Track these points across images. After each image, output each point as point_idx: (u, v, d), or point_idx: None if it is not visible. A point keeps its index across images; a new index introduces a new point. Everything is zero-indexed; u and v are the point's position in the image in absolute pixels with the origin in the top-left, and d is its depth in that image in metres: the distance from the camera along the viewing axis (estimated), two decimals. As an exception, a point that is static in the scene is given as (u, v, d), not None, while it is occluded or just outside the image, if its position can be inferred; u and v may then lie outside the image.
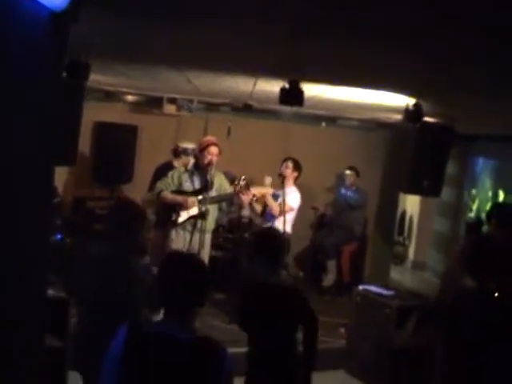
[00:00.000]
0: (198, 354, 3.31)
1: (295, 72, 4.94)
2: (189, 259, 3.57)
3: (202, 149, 7.88)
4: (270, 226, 8.02)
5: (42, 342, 3.62)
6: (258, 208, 8.93)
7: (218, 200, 7.95)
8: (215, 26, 3.62)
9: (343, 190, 10.84)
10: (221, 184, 8.04)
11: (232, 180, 8.40)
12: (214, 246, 10.07)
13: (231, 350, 7.81)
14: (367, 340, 7.96)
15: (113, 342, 3.28)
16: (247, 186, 7.94)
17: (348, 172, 10.75)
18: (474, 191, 11.43)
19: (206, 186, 7.78)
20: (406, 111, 5.90)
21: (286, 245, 5.30)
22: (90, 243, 8.52)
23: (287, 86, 5.12)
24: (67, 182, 10.63)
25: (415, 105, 5.80)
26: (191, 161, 8.15)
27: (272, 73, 5.15)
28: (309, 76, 5.04)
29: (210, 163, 7.78)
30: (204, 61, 5.15)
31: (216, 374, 3.29)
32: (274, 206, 8.52)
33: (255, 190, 8.28)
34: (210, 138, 8.09)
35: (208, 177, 7.78)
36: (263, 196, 8.71)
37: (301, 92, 5.15)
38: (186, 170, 8.02)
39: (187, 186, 7.91)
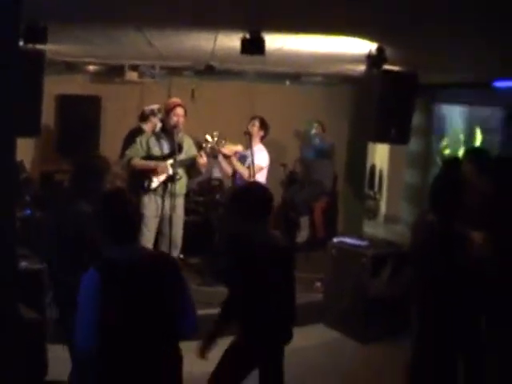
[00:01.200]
0: (158, 265, 3.93)
1: (256, 21, 4.90)
2: (123, 195, 4.03)
3: (168, 111, 7.86)
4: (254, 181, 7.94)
5: (16, 313, 3.61)
6: (228, 170, 8.89)
7: (188, 163, 7.93)
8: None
9: (310, 143, 10.87)
10: (189, 147, 8.02)
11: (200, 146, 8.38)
12: (185, 210, 10.08)
13: (207, 311, 7.93)
14: (344, 291, 8.04)
15: (86, 279, 3.69)
16: (219, 142, 8.01)
17: (315, 124, 10.78)
18: (445, 140, 11.49)
19: (174, 150, 7.76)
20: (369, 56, 5.89)
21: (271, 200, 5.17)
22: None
23: (248, 35, 5.09)
24: (33, 157, 10.51)
25: (378, 49, 5.80)
26: (158, 124, 8.07)
27: (232, 23, 5.10)
28: (269, 25, 5.00)
29: (176, 125, 7.76)
30: (164, 18, 5.10)
31: (178, 278, 3.95)
32: (242, 170, 8.46)
33: (225, 149, 8.25)
34: (174, 100, 8.06)
35: (176, 139, 7.77)
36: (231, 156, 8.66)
37: (262, 40, 5.13)
38: (154, 134, 7.97)
39: (156, 150, 7.87)
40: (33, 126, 6.30)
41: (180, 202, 8.03)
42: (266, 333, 4.93)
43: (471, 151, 7.35)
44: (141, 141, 7.90)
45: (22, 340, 3.60)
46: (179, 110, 7.82)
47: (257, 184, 6.42)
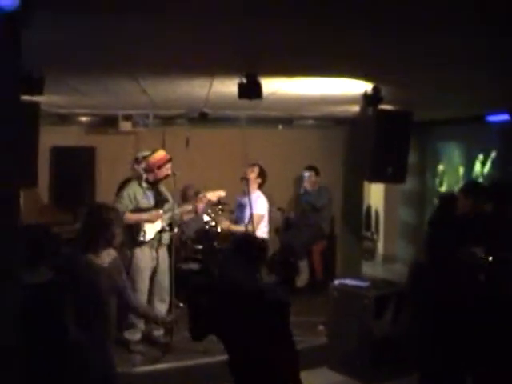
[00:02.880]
0: None
1: (251, 65, 4.92)
2: None
3: (162, 164, 7.83)
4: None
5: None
6: (226, 224, 8.96)
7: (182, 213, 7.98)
8: (165, 23, 3.61)
9: (304, 192, 10.81)
10: (169, 197, 8.05)
11: (196, 193, 8.41)
12: (185, 259, 10.03)
13: (205, 360, 7.75)
14: (347, 333, 7.95)
15: None
16: (198, 193, 8.09)
17: (307, 173, 10.69)
18: (440, 167, 11.49)
19: (161, 200, 7.85)
20: (365, 96, 5.92)
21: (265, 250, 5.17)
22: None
23: (244, 80, 5.10)
24: (29, 209, 10.46)
25: (374, 88, 5.83)
26: (144, 175, 8.01)
27: (228, 68, 5.13)
28: (265, 69, 5.03)
29: (167, 177, 7.87)
30: (158, 65, 5.12)
31: None
32: (240, 229, 8.49)
33: (209, 195, 8.19)
34: (164, 154, 8.00)
35: (161, 190, 7.92)
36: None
37: (258, 84, 5.14)
38: (140, 186, 7.91)
39: (144, 202, 7.83)
40: (30, 177, 6.30)
41: (165, 251, 8.03)
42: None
43: (467, 185, 7.41)
44: (128, 194, 7.80)
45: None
46: (170, 164, 7.87)
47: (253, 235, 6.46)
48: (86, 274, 5.07)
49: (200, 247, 10.20)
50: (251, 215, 8.25)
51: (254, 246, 5.09)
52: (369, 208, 14.63)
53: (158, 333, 8.02)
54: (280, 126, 11.45)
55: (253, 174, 8.76)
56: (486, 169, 9.74)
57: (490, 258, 5.56)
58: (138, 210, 7.77)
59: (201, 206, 8.02)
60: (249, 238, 5.58)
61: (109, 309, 5.25)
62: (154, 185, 7.88)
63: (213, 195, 8.19)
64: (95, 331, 4.91)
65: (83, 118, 10.80)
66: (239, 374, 4.88)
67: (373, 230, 14.69)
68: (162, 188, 8.02)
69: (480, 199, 6.68)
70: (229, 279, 4.97)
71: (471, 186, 7.32)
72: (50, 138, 9.02)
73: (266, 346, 4.75)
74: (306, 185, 10.63)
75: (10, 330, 3.14)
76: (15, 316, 3.19)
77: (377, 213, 14.65)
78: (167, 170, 7.83)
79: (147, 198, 7.85)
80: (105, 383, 5.29)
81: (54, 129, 9.97)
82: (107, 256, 5.25)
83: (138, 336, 7.83)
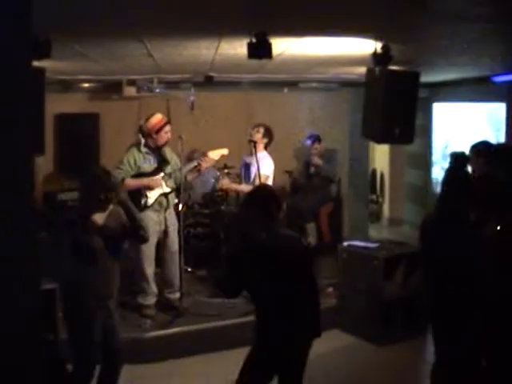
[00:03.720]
0: None
1: (260, 25, 4.86)
2: None
3: (159, 129, 7.82)
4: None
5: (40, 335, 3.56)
6: (225, 182, 9.01)
7: (186, 173, 7.96)
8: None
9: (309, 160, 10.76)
10: (175, 160, 8.02)
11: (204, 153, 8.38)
12: (192, 224, 10.04)
13: (216, 323, 7.86)
14: (357, 295, 7.98)
15: None
16: (204, 154, 8.11)
17: (309, 142, 10.57)
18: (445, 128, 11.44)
19: (162, 162, 7.88)
20: (375, 54, 5.85)
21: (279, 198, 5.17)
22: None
23: (254, 40, 5.04)
24: (35, 177, 10.45)
25: (383, 47, 5.76)
26: (142, 140, 7.98)
27: (237, 28, 5.07)
28: (274, 28, 4.97)
29: (167, 141, 7.89)
30: (165, 25, 5.06)
31: None
32: (245, 189, 8.41)
33: (212, 154, 8.17)
34: (161, 117, 7.99)
35: (164, 154, 7.94)
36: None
37: (268, 43, 5.08)
38: (140, 151, 7.87)
39: (145, 167, 7.83)
40: (37, 145, 6.26)
41: (173, 213, 8.06)
42: (280, 334, 4.86)
43: (477, 145, 7.37)
44: (128, 160, 7.79)
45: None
46: (168, 127, 7.86)
47: (266, 185, 6.78)
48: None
49: (207, 211, 10.20)
50: (257, 174, 8.22)
51: (268, 195, 5.08)
52: (374, 171, 14.62)
53: (174, 296, 8.05)
54: (285, 90, 11.38)
55: (258, 135, 8.72)
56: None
57: (499, 227, 5.55)
58: (139, 175, 7.77)
59: (204, 164, 7.99)
60: (262, 188, 5.56)
61: (106, 268, 5.52)
62: (156, 149, 7.86)
63: (215, 154, 8.18)
64: None
65: (86, 85, 10.73)
66: (265, 323, 4.93)
67: (378, 192, 14.69)
68: (168, 152, 8.00)
69: (492, 158, 6.66)
70: (248, 234, 4.98)
71: (482, 145, 7.29)
72: (53, 105, 8.93)
73: (292, 293, 4.82)
74: (314, 157, 10.46)
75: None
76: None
77: (382, 176, 14.65)
78: (166, 133, 7.81)
79: (149, 162, 7.83)
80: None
81: (57, 96, 9.88)
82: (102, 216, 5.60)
83: (150, 300, 7.86)
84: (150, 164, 7.85)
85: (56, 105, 9.56)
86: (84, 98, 10.83)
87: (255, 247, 4.86)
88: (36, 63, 5.71)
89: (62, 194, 10.19)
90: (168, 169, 7.87)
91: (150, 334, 7.46)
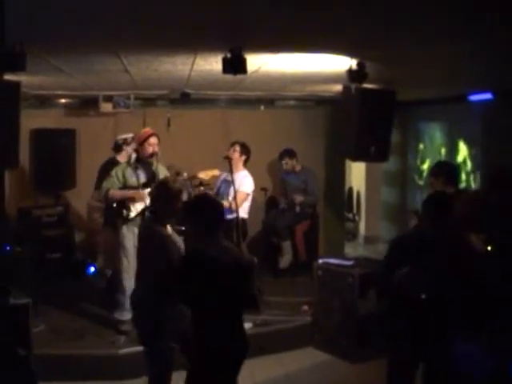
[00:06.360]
0: None
1: (235, 40, 4.88)
2: None
3: (143, 141, 7.85)
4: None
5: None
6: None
7: None
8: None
9: (286, 175, 10.80)
10: (164, 175, 7.99)
11: (177, 173, 8.40)
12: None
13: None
14: (332, 312, 7.97)
15: None
16: (194, 176, 8.07)
17: (283, 161, 10.67)
18: (422, 147, 11.48)
19: (151, 178, 7.77)
20: (350, 72, 5.89)
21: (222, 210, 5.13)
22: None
23: (229, 55, 5.06)
24: (9, 194, 10.37)
25: (358, 64, 5.80)
26: (133, 155, 8.01)
27: (212, 44, 5.09)
28: (249, 44, 4.99)
29: (153, 154, 7.80)
30: (141, 40, 5.08)
31: None
32: (227, 204, 8.39)
33: (202, 174, 8.21)
34: (147, 130, 8.08)
35: (153, 168, 7.84)
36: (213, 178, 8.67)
37: (243, 59, 5.10)
38: (129, 165, 7.90)
39: (132, 181, 7.82)
40: (11, 158, 6.24)
41: None
42: (215, 351, 4.77)
43: (437, 165, 7.50)
44: (116, 172, 7.83)
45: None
46: (153, 140, 7.82)
47: (208, 195, 6.75)
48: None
49: (183, 228, 10.16)
50: (234, 190, 8.22)
51: (204, 207, 5.00)
52: (350, 189, 14.67)
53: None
54: (262, 107, 11.39)
55: (236, 154, 8.76)
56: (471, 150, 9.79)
57: (489, 248, 5.66)
58: (125, 188, 7.76)
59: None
60: (199, 200, 5.50)
61: None
62: (143, 163, 7.84)
63: (206, 175, 8.20)
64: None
65: (63, 100, 10.70)
66: (201, 333, 4.84)
67: (354, 211, 14.73)
68: (160, 168, 7.96)
69: (450, 178, 6.85)
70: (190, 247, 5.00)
71: (439, 166, 7.45)
72: (29, 120, 8.90)
73: (227, 307, 4.77)
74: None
75: None
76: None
77: (358, 194, 14.69)
78: (150, 145, 7.79)
79: (136, 177, 7.82)
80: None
81: (33, 111, 9.87)
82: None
83: (126, 316, 7.79)
84: (137, 179, 7.82)
85: (32, 120, 9.51)
86: (60, 114, 10.78)
87: (191, 258, 4.85)
88: (11, 77, 5.72)
89: (37, 210, 10.15)
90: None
91: (124, 351, 7.39)
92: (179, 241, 6.89)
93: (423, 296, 5.18)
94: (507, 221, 5.74)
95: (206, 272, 4.70)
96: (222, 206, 5.11)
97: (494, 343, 5.28)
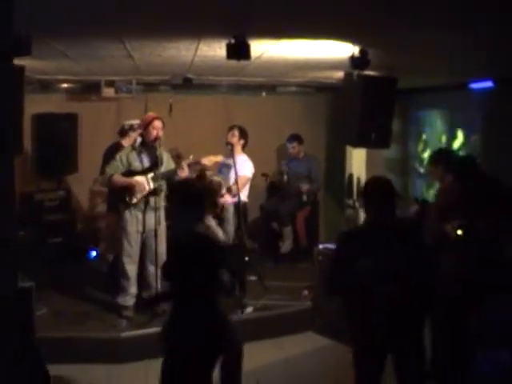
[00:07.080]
0: None
1: (239, 26, 4.91)
2: None
3: (147, 125, 7.86)
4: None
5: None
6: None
7: (166, 176, 7.89)
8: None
9: (288, 161, 10.83)
10: (168, 160, 8.03)
11: (178, 156, 8.44)
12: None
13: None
14: (332, 297, 8.01)
15: None
16: (197, 161, 8.09)
17: (289, 144, 10.75)
18: (423, 135, 11.48)
19: (155, 163, 7.79)
20: (352, 58, 5.92)
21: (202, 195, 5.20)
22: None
23: (233, 41, 5.10)
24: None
25: (361, 51, 5.84)
26: (138, 139, 8.06)
27: (216, 30, 5.11)
28: (253, 30, 5.02)
29: (156, 138, 7.82)
30: (145, 25, 5.10)
31: None
32: (230, 200, 8.51)
33: (206, 160, 8.26)
34: (151, 114, 8.10)
35: (157, 153, 7.83)
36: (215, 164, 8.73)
37: (247, 45, 5.14)
38: (134, 149, 7.93)
39: (136, 165, 7.85)
40: (15, 144, 6.25)
41: (162, 214, 7.97)
42: (179, 330, 4.84)
43: (436, 153, 7.57)
44: (120, 157, 7.86)
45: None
46: (157, 123, 7.83)
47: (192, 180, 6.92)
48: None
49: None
50: (236, 173, 8.28)
51: (187, 191, 5.05)
52: (351, 176, 14.66)
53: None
54: (263, 93, 11.42)
55: (234, 138, 8.85)
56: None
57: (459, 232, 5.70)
58: (129, 172, 7.78)
59: (184, 171, 7.91)
60: (182, 184, 5.55)
61: None
62: (147, 147, 7.86)
63: (209, 161, 8.24)
64: None
65: (65, 85, 10.71)
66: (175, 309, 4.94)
67: (355, 198, 14.73)
68: (162, 152, 7.99)
69: (450, 165, 6.92)
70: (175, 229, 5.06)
71: (438, 154, 7.52)
72: (31, 105, 8.90)
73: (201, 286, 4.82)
74: (291, 153, 10.62)
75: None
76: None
77: (359, 181, 14.69)
78: (154, 129, 7.80)
79: (140, 161, 7.85)
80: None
81: (35, 96, 9.86)
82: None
83: (129, 302, 7.85)
84: (141, 163, 7.85)
85: (34, 105, 9.51)
86: (62, 99, 10.81)
87: (174, 243, 4.96)
88: (16, 61, 5.74)
89: (38, 195, 10.18)
90: (161, 170, 7.84)
91: (126, 334, 7.46)
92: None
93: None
94: (471, 207, 5.88)
95: (181, 252, 4.82)
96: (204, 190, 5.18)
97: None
